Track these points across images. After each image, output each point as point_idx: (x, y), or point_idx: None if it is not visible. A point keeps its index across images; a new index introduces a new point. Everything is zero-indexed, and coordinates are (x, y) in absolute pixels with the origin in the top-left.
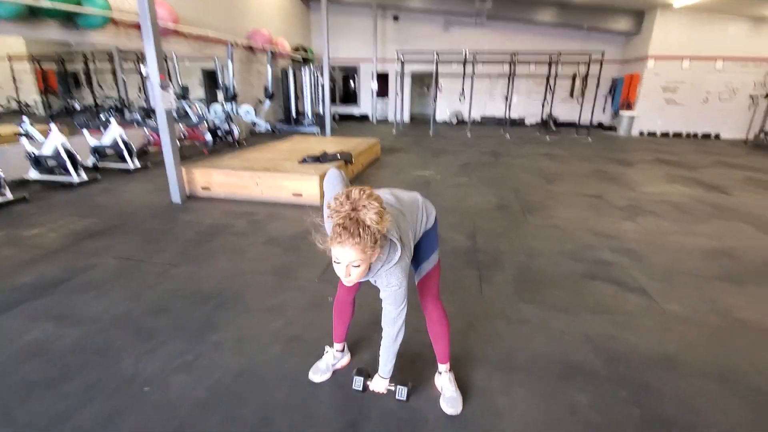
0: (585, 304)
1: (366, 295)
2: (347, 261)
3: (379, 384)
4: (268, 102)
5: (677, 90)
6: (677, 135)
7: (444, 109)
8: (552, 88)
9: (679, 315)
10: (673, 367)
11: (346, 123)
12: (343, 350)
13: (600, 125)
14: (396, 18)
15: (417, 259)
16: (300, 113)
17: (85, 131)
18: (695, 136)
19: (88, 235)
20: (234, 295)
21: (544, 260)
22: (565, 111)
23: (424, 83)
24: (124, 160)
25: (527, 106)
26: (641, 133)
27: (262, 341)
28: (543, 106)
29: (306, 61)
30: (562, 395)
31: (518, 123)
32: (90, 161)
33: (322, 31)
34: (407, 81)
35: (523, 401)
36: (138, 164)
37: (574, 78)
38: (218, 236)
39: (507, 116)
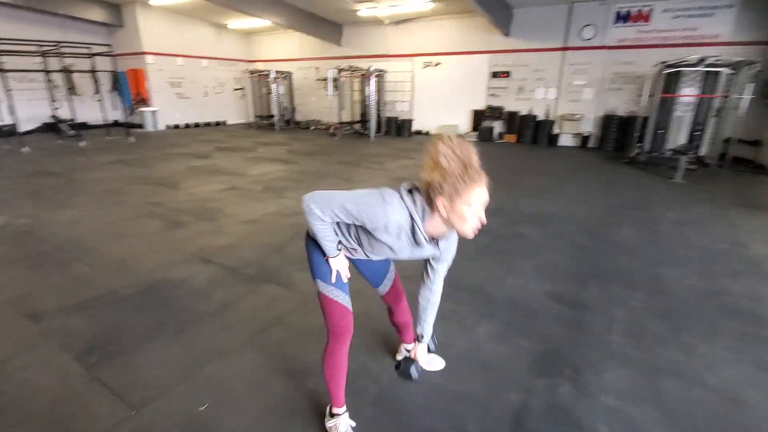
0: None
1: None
2: (485, 202)
3: (424, 354)
4: None
5: (182, 84)
6: (197, 125)
7: None
8: (65, 84)
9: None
10: None
11: None
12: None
13: (116, 123)
14: None
15: (380, 276)
16: None
17: None
18: (209, 124)
19: None
20: None
21: (297, 248)
22: (68, 111)
23: None
24: None
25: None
26: (167, 127)
27: None
28: (55, 106)
29: None
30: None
31: (4, 133)
32: None
33: None
34: None
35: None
36: None
37: (68, 72)
38: None
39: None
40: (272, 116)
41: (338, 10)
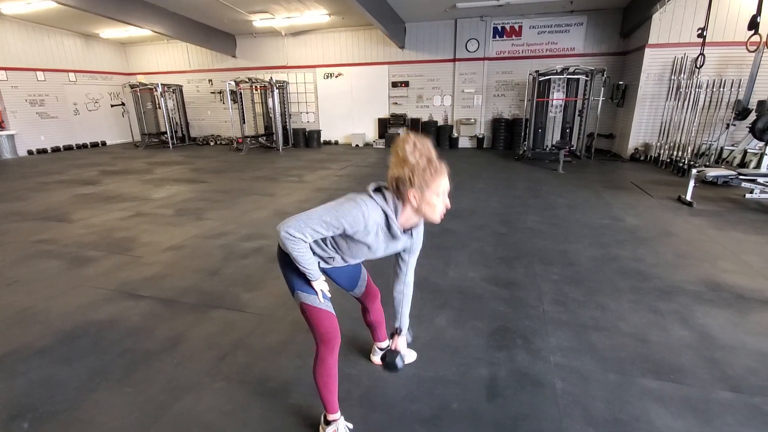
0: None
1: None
2: (448, 189)
3: (404, 346)
4: None
5: (45, 103)
6: (68, 148)
7: None
8: None
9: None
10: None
11: None
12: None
13: None
14: None
15: (355, 279)
16: None
17: None
18: (84, 146)
19: None
20: None
21: (235, 269)
22: None
23: None
24: None
25: None
26: (30, 152)
27: None
28: None
29: None
30: None
31: None
32: None
33: None
34: None
35: None
36: None
37: None
38: None
39: None
40: (163, 133)
41: (231, 20)
